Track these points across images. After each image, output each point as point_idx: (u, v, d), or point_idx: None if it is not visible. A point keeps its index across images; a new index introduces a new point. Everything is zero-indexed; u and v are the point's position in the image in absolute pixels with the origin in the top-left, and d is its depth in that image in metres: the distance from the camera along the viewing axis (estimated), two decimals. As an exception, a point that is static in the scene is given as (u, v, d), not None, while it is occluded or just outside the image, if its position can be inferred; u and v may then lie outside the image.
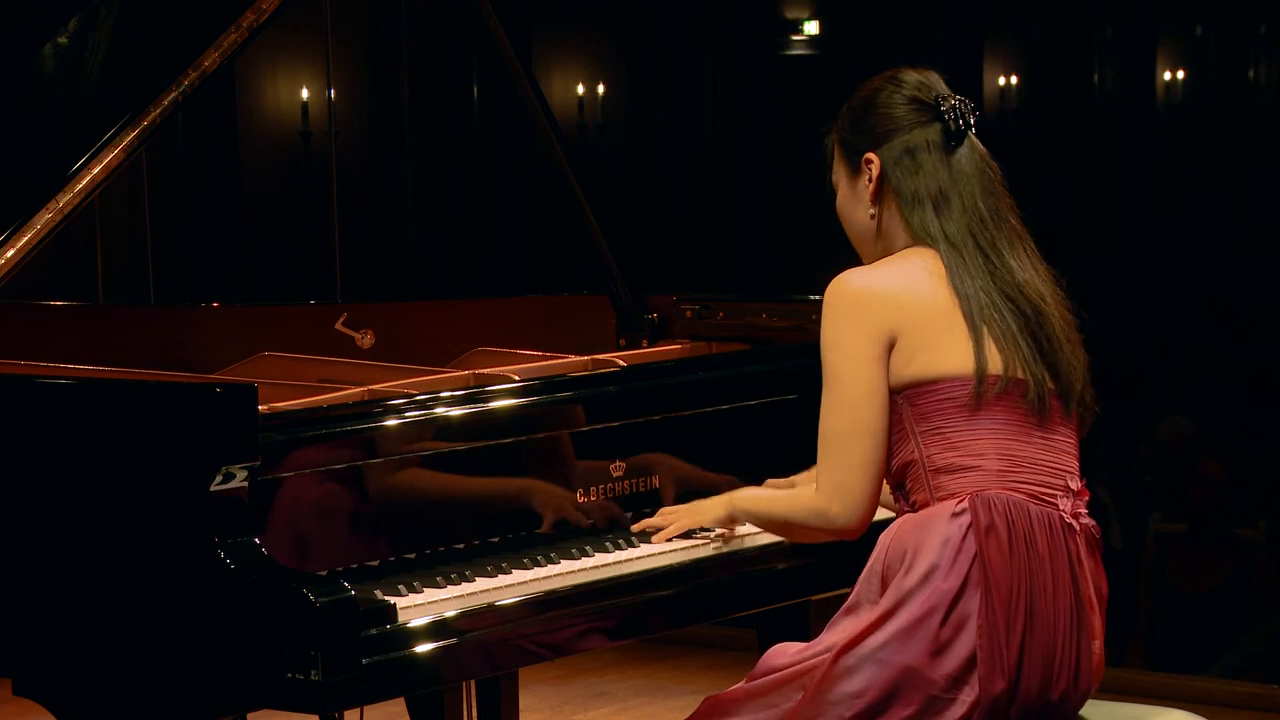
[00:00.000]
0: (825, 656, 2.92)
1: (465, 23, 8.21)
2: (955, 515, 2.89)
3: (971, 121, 3.04)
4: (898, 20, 7.94)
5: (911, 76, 3.08)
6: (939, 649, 2.86)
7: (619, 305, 4.08)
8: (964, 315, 2.94)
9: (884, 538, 2.97)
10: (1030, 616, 2.88)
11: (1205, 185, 7.56)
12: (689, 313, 4.04)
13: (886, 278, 2.97)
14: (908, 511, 2.99)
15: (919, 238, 3.01)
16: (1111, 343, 7.45)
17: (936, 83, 3.08)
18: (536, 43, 8.23)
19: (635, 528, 3.30)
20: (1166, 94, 7.75)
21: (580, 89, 8.31)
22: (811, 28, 8.09)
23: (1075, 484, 2.99)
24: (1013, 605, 2.87)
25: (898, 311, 2.93)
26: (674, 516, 3.29)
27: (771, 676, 2.98)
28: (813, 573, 3.40)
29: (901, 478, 3.00)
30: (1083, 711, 3.02)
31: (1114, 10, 7.84)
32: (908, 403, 2.95)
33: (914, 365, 2.94)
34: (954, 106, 3.03)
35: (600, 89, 8.32)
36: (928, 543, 2.89)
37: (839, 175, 3.12)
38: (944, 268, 2.97)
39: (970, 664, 2.86)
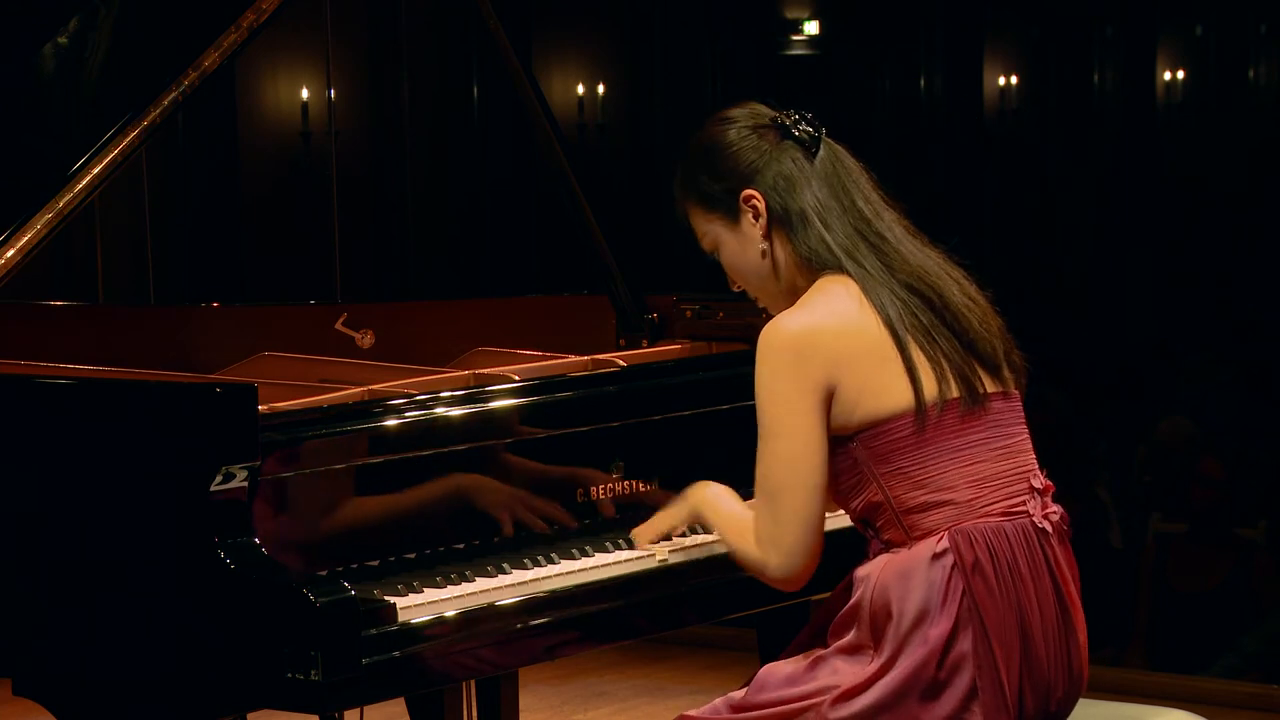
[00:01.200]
0: (819, 701, 2.89)
1: (465, 23, 8.22)
2: (937, 557, 2.86)
3: (817, 125, 3.03)
4: (898, 20, 7.95)
5: (737, 111, 3.09)
6: (936, 693, 2.83)
7: (619, 305, 4.08)
8: (890, 336, 2.90)
9: (868, 579, 2.91)
10: (1024, 644, 2.86)
11: (1205, 185, 7.56)
12: (689, 313, 4.03)
13: (820, 319, 2.90)
14: (880, 549, 2.94)
15: (815, 259, 2.96)
16: (1111, 343, 7.48)
17: (762, 108, 3.08)
18: (536, 43, 8.23)
19: (632, 533, 3.29)
20: (1166, 94, 7.75)
21: (580, 89, 8.31)
22: (811, 28, 8.10)
23: (1039, 481, 2.96)
24: (1007, 640, 2.85)
25: (834, 357, 2.87)
26: (648, 525, 3.25)
27: (758, 713, 2.94)
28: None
29: (868, 517, 2.95)
30: (1084, 712, 3.02)
31: (1114, 10, 7.84)
32: (862, 445, 2.90)
33: (861, 409, 2.89)
34: (795, 120, 3.03)
35: (600, 89, 8.32)
36: (913, 590, 2.85)
37: (714, 232, 3.07)
38: (858, 288, 2.93)
39: (967, 700, 2.83)
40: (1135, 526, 6.87)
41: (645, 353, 3.94)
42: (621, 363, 3.69)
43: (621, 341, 4.07)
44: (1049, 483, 2.99)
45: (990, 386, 2.96)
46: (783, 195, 2.99)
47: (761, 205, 3.01)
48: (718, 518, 3.08)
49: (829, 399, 2.88)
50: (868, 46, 8.03)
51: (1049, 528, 2.93)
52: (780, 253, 3.01)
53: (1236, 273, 7.33)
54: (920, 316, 2.92)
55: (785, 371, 2.88)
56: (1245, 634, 6.32)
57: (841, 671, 2.90)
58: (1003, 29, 8.05)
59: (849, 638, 2.92)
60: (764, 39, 8.10)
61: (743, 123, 3.06)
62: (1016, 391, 3.01)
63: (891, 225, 3.00)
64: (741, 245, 3.05)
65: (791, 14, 8.13)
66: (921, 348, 2.91)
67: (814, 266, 2.98)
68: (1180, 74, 7.72)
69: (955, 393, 2.91)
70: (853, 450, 2.91)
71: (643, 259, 4.27)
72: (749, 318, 3.92)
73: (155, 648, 2.92)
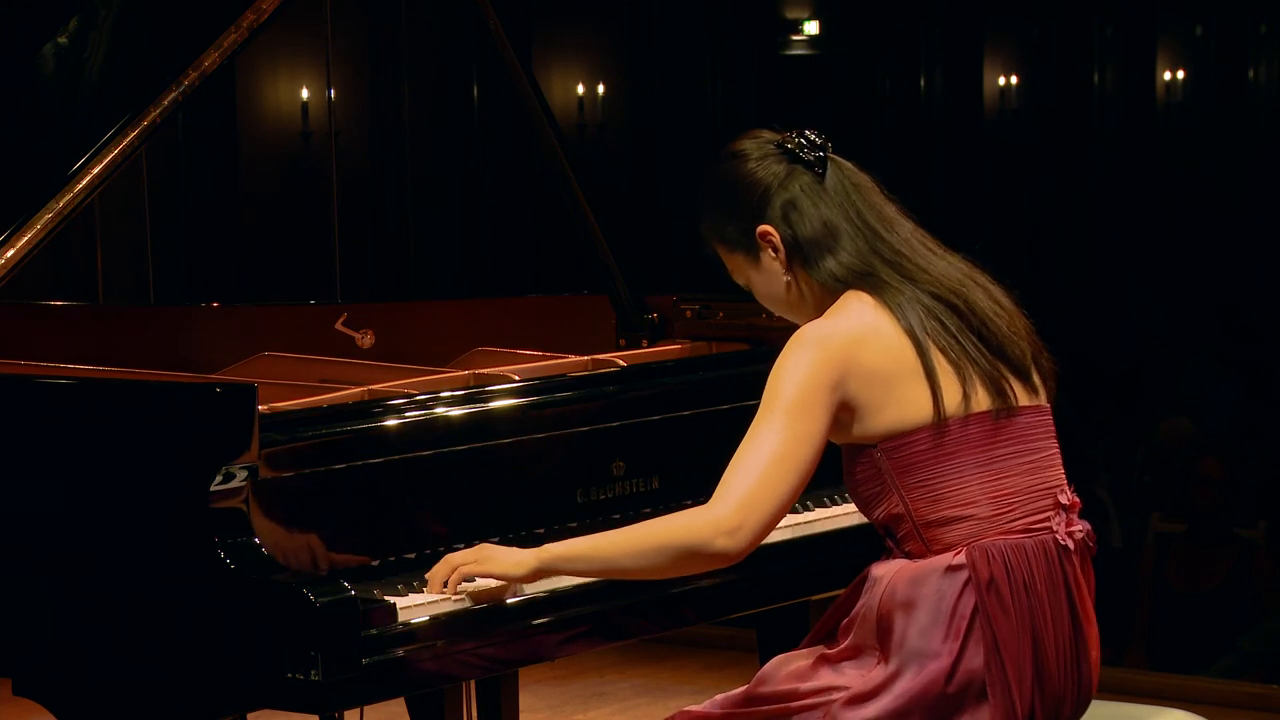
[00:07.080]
0: (827, 700, 2.87)
1: (465, 23, 8.22)
2: (952, 569, 2.84)
3: (823, 144, 2.98)
4: (898, 20, 7.95)
5: (745, 142, 3.02)
6: (946, 708, 2.82)
7: (619, 305, 4.08)
8: (912, 344, 2.87)
9: (880, 581, 2.90)
10: (1037, 661, 2.85)
11: (1205, 185, 7.56)
12: (689, 313, 4.03)
13: (845, 326, 2.88)
14: (900, 557, 2.92)
15: (833, 282, 2.93)
16: (1112, 343, 7.48)
17: (767, 134, 3.03)
18: (536, 43, 8.23)
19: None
20: (1166, 94, 7.75)
21: (580, 89, 8.31)
22: (811, 28, 8.10)
23: (1065, 497, 2.94)
24: (1020, 657, 2.83)
25: (854, 364, 2.85)
26: (451, 563, 2.99)
27: (765, 707, 2.92)
28: (812, 573, 3.40)
29: (891, 528, 2.92)
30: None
31: (1114, 10, 7.84)
32: (886, 456, 2.87)
33: (884, 418, 2.86)
34: (798, 141, 2.98)
35: (600, 89, 8.32)
36: (923, 600, 2.84)
37: (743, 270, 3.04)
38: (877, 301, 2.90)
39: (977, 716, 2.83)
40: (1135, 526, 6.88)
41: (645, 353, 3.94)
42: (621, 363, 3.69)
43: (621, 341, 4.07)
44: (1076, 499, 2.96)
45: (1022, 397, 2.93)
46: (793, 225, 2.95)
47: (776, 239, 2.97)
48: (597, 547, 2.92)
49: (839, 405, 2.86)
50: (868, 46, 8.03)
51: (1071, 544, 2.90)
52: (804, 280, 2.98)
53: (1237, 273, 7.32)
54: (945, 323, 2.89)
55: (806, 366, 2.83)
56: (1245, 634, 6.32)
57: (847, 673, 2.90)
58: (1003, 29, 8.05)
59: (855, 640, 2.91)
60: (764, 39, 8.09)
61: (749, 155, 3.00)
62: (1048, 405, 2.99)
63: (908, 238, 2.96)
64: (767, 280, 3.01)
65: (791, 14, 8.13)
66: (946, 355, 2.88)
67: (835, 288, 2.95)
68: (1180, 74, 7.71)
69: (984, 402, 2.89)
70: (876, 459, 2.88)
71: (643, 259, 4.28)
72: (749, 318, 3.92)
73: (155, 648, 2.92)
